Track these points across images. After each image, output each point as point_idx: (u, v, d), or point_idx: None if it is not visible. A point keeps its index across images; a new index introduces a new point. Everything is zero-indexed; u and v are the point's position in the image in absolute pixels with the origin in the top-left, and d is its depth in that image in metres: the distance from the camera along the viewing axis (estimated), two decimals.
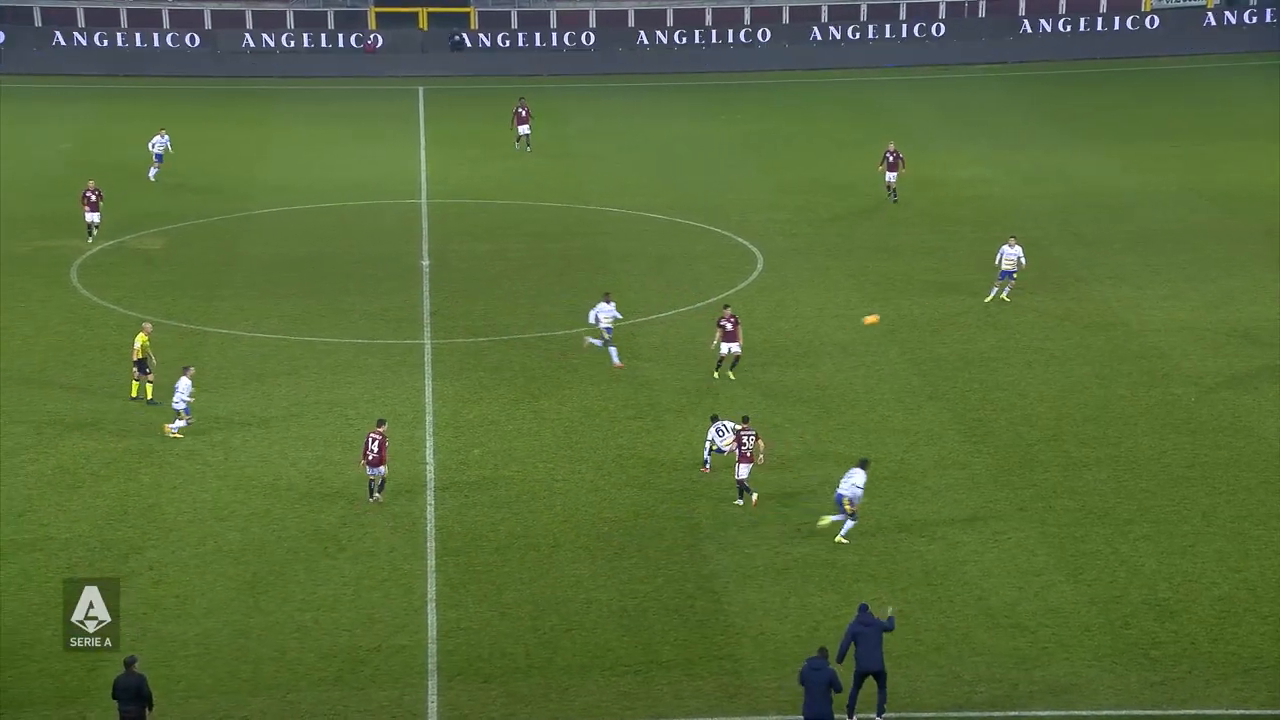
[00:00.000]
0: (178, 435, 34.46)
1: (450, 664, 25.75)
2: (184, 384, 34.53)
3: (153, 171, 56.95)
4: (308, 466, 33.21)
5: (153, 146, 57.16)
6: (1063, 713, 24.29)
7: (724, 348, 37.60)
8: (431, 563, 29.10)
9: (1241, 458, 33.04)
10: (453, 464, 33.35)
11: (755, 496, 31.23)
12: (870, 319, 40.19)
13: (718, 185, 57.62)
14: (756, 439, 31.27)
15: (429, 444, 34.13)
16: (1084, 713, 24.27)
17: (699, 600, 27.75)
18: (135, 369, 36.56)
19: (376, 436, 31.30)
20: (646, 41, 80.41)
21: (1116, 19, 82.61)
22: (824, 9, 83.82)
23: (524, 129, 62.64)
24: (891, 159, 54.16)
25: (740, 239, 50.41)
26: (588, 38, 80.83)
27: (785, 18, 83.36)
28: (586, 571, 28.77)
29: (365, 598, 27.85)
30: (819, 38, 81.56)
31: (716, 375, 37.84)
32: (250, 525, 30.55)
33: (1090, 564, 28.75)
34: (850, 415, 35.91)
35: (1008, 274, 42.92)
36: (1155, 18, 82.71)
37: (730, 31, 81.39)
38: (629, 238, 51.30)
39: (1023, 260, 42.78)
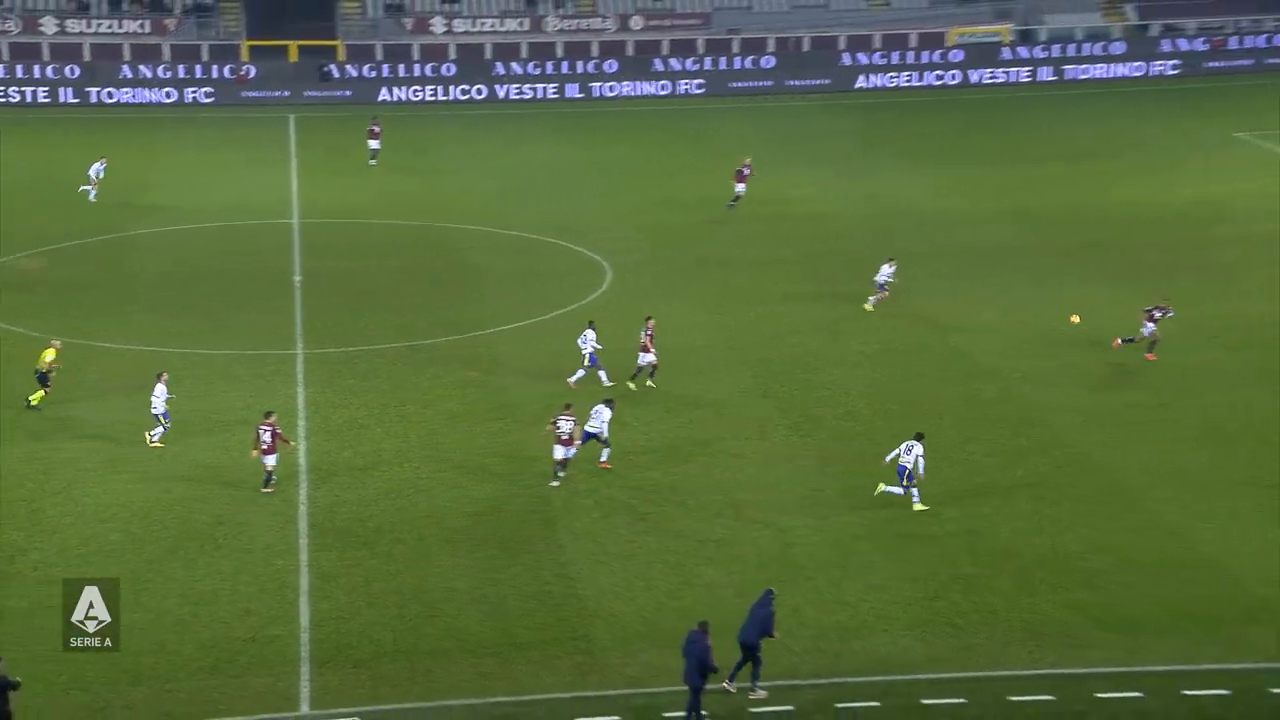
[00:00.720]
0: (158, 444, 33.97)
1: (321, 651, 25.92)
2: (160, 390, 34.03)
3: (92, 194, 56.41)
4: (185, 470, 33.11)
5: (94, 173, 56.70)
6: (881, 678, 25.09)
7: (641, 358, 38.02)
8: (304, 557, 29.23)
9: (1035, 446, 34.07)
10: (324, 465, 33.46)
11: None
12: (1074, 318, 40.55)
13: (570, 205, 58.04)
14: (576, 422, 32.42)
15: (302, 447, 34.14)
16: (899, 677, 25.08)
17: (554, 586, 28.22)
18: (37, 379, 36.06)
19: (267, 427, 31.53)
20: (503, 71, 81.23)
21: (925, 53, 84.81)
22: (664, 43, 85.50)
23: (374, 144, 63.02)
24: (746, 172, 56.00)
25: (591, 254, 50.96)
26: (448, 69, 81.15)
27: (630, 50, 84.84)
28: (449, 562, 29.11)
29: (241, 591, 27.92)
30: (660, 68, 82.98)
31: (633, 385, 37.82)
32: (130, 525, 30.43)
33: (906, 544, 29.62)
34: (691, 415, 36.54)
35: (882, 286, 44.25)
36: (959, 51, 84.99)
37: (580, 63, 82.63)
38: (487, 253, 51.56)
39: (892, 278, 44.09)
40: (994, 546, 29.44)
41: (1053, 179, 60.98)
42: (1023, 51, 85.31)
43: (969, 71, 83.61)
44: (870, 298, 44.15)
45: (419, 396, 37.75)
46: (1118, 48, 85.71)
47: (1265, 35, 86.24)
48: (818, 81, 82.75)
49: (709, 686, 23.90)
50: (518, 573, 28.67)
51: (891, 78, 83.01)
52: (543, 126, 74.30)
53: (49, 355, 36.06)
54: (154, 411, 34.12)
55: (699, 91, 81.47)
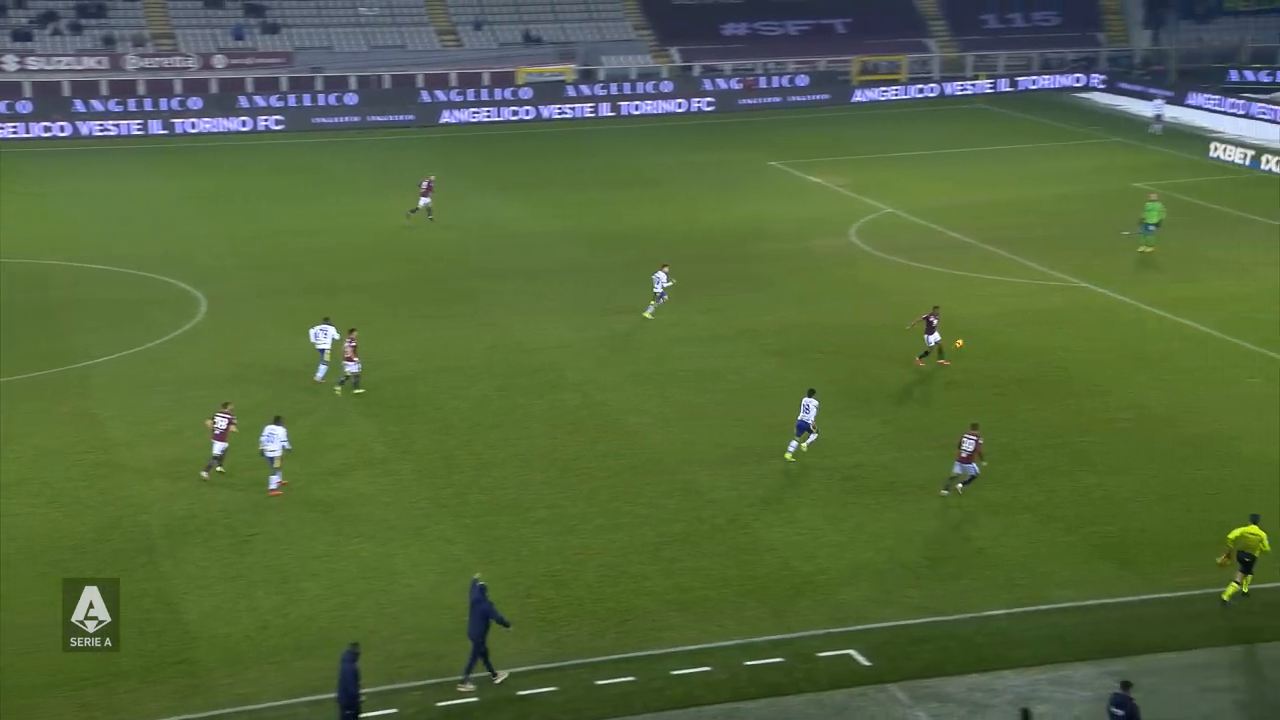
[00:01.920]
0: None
1: None
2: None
3: None
4: None
5: None
6: (478, 674, 24.64)
7: (347, 367, 37.38)
8: None
9: (614, 448, 34.54)
10: None
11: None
12: (959, 343, 39.63)
13: (168, 237, 55.27)
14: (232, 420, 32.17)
15: None
16: (486, 674, 24.77)
17: (157, 613, 26.54)
18: None
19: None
20: (84, 109, 77.43)
21: (498, 90, 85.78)
22: (248, 80, 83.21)
23: None
24: (425, 186, 57.13)
25: (186, 285, 48.54)
26: (24, 106, 77.06)
27: (214, 88, 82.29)
28: (43, 597, 26.73)
29: None
30: (246, 104, 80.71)
31: (339, 390, 37.76)
32: None
33: (499, 548, 29.46)
34: (291, 432, 35.22)
35: (661, 295, 44.54)
36: (529, 89, 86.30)
37: (163, 100, 79.61)
38: (78, 287, 48.30)
39: (667, 284, 44.55)
40: (579, 544, 29.62)
41: (616, 203, 62.55)
42: (585, 89, 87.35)
43: (539, 107, 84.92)
44: (650, 305, 44.60)
45: (12, 434, 34.82)
46: (666, 86, 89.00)
47: (788, 76, 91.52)
48: (402, 117, 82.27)
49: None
50: (120, 603, 26.73)
51: (473, 113, 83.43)
52: (128, 162, 70.49)
53: None
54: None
55: (279, 128, 79.83)
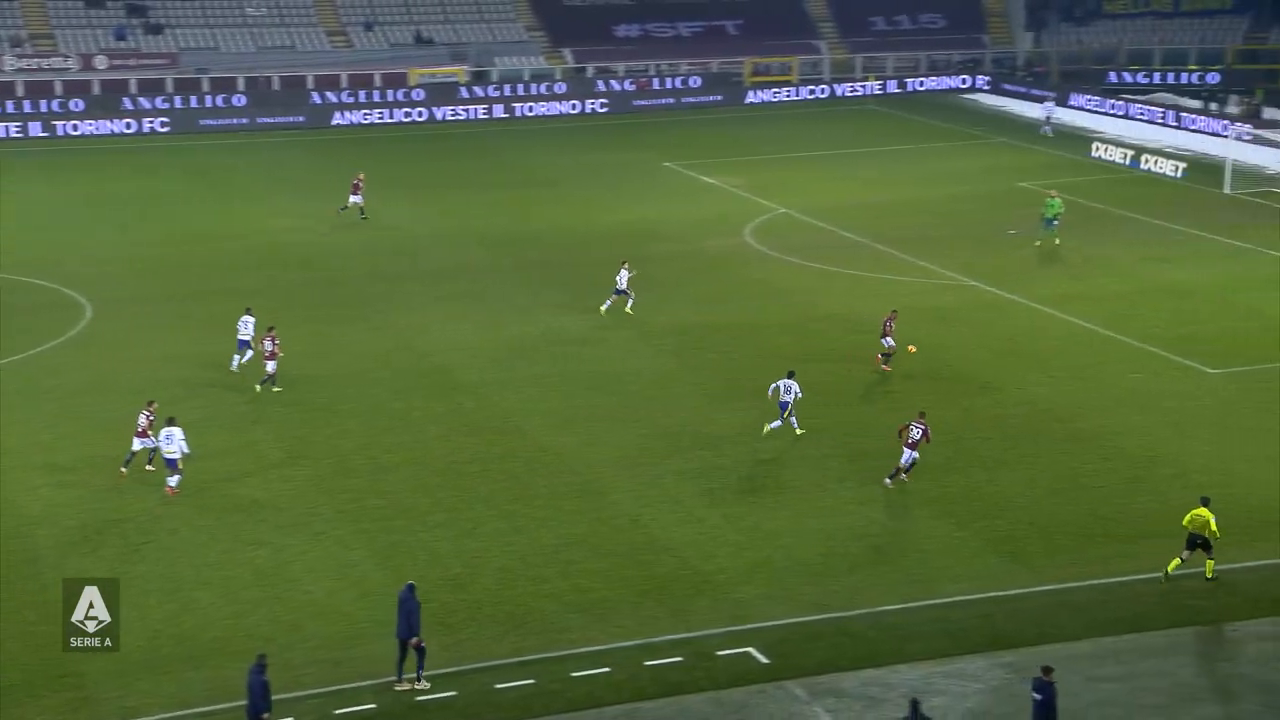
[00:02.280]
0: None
1: None
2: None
3: None
4: None
5: None
6: (377, 681, 24.39)
7: (267, 365, 37.49)
8: None
9: (511, 451, 34.38)
10: None
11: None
12: (911, 348, 39.79)
13: (49, 242, 54.02)
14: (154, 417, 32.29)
15: None
16: (393, 678, 24.41)
17: (40, 627, 25.74)
18: None
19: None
20: None
21: (390, 91, 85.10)
22: (132, 82, 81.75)
23: None
24: (355, 184, 56.96)
25: (70, 291, 47.47)
26: None
27: (96, 89, 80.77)
28: None
29: None
30: (130, 106, 79.27)
31: (259, 388, 37.92)
32: None
33: (397, 552, 29.20)
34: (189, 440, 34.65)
35: (621, 292, 44.55)
36: (420, 90, 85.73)
37: (44, 102, 78.16)
38: None
39: (629, 280, 44.70)
40: (479, 547, 29.45)
41: (511, 204, 62.39)
42: (478, 91, 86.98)
43: (433, 109, 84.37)
44: (612, 299, 44.65)
45: None
46: (560, 87, 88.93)
47: (682, 77, 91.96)
48: (292, 119, 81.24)
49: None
50: (3, 615, 26.11)
51: (365, 114, 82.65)
52: (8, 166, 68.71)
53: None
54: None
55: (165, 130, 78.48)
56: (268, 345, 37.80)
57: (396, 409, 37.31)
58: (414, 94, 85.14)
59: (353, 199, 57.67)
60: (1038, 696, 21.97)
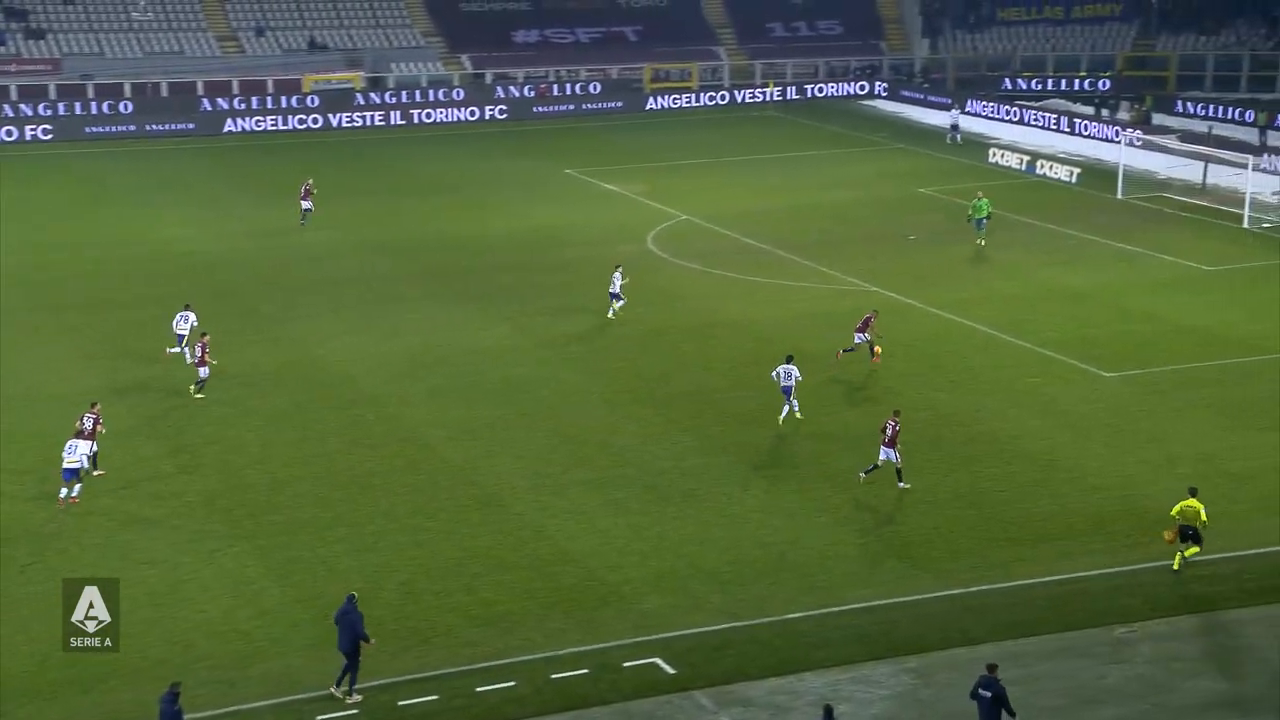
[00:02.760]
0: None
1: None
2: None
3: None
4: None
5: None
6: (276, 700, 24.08)
7: (199, 370, 37.42)
8: None
9: (413, 463, 34.06)
10: None
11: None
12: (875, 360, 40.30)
13: None
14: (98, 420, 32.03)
15: None
16: (294, 697, 24.13)
17: None
18: None
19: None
20: None
21: (284, 98, 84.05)
22: (12, 88, 79.93)
23: None
24: (306, 190, 56.91)
25: None
26: None
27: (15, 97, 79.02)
28: None
29: None
30: (11, 113, 77.58)
31: (193, 389, 38.07)
32: None
33: (296, 568, 28.74)
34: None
35: (615, 295, 44.55)
36: (315, 97, 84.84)
37: None
38: None
39: (621, 283, 44.72)
40: (380, 561, 29.10)
41: (410, 212, 61.92)
42: (375, 98, 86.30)
43: (328, 116, 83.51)
44: (614, 306, 44.71)
45: None
46: (458, 94, 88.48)
47: (581, 84, 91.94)
48: (182, 126, 79.93)
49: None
50: None
51: (258, 121, 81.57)
52: None
53: None
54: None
55: (48, 137, 76.72)
56: (198, 351, 37.61)
57: (295, 421, 36.81)
58: (309, 100, 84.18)
59: (304, 204, 57.12)
60: (986, 694, 22.16)
